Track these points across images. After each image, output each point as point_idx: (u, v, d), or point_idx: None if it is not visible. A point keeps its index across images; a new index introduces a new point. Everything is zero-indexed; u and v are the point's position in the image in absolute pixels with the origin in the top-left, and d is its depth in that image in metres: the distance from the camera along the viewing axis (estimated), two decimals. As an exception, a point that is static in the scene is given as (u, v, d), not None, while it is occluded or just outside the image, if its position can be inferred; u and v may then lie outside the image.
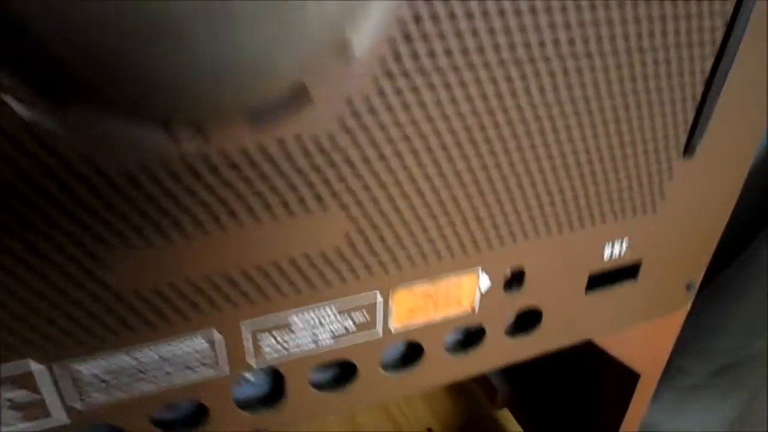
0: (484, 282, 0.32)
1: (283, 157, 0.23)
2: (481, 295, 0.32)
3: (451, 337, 0.36)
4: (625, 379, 0.45)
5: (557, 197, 0.30)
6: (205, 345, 0.27)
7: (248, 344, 0.28)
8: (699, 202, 0.35)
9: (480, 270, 0.31)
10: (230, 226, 0.24)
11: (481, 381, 0.68)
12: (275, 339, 0.29)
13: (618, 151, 0.30)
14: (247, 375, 0.30)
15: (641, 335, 0.43)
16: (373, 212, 0.27)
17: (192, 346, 0.27)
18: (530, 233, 0.31)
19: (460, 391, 0.74)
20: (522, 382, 0.64)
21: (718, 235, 0.38)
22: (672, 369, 0.57)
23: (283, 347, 0.29)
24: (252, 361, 0.29)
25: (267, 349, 0.29)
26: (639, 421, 0.49)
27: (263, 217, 0.25)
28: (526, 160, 0.28)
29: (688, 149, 0.32)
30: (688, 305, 0.42)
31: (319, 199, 0.25)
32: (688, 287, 0.40)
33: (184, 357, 0.27)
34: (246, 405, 0.31)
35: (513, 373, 0.65)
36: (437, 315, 0.32)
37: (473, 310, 0.32)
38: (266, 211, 0.25)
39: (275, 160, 0.23)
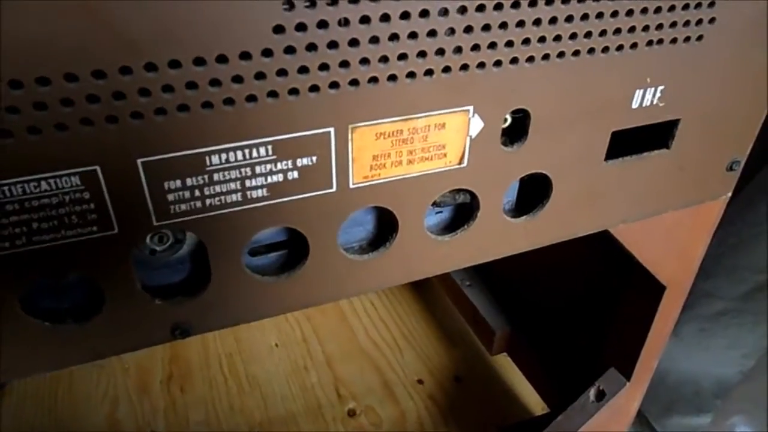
0: (476, 124, 0.24)
1: None
2: (472, 142, 0.24)
3: (435, 216, 0.28)
4: (649, 291, 0.38)
5: (575, 2, 0.22)
6: (83, 189, 0.19)
7: (146, 191, 0.20)
8: (755, 35, 0.27)
9: (471, 107, 0.23)
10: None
11: (477, 323, 0.60)
12: (185, 186, 0.21)
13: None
14: (154, 244, 0.22)
15: (669, 236, 0.35)
16: (314, -12, 0.18)
17: (65, 188, 0.19)
18: (537, 54, 0.23)
19: (452, 336, 0.67)
20: (524, 318, 0.56)
21: (772, 92, 0.30)
22: (696, 294, 0.49)
23: (197, 199, 0.21)
24: (153, 218, 0.21)
25: (173, 199, 0.21)
26: (662, 347, 0.42)
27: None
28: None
29: (747, -51, 0.24)
30: (729, 192, 0.34)
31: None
32: (731, 167, 0.32)
33: (55, 204, 0.19)
34: (159, 292, 0.23)
35: (513, 310, 0.58)
36: (413, 169, 0.24)
37: (461, 161, 0.24)
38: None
39: None
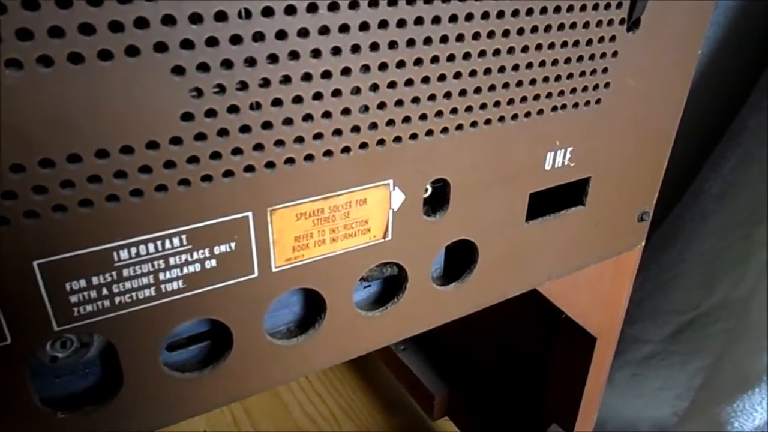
0: (397, 197, 0.24)
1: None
2: (395, 214, 0.24)
3: (363, 291, 0.27)
4: (581, 343, 0.38)
5: (481, 75, 0.23)
6: (-29, 300, 0.17)
7: (45, 295, 0.18)
8: (647, 95, 0.29)
9: (391, 181, 0.23)
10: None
11: (415, 388, 0.59)
12: (90, 285, 0.19)
13: (554, 21, 0.24)
14: (55, 351, 0.20)
15: (593, 289, 0.36)
16: (219, 73, 0.18)
17: (-54, 302, 0.17)
18: (450, 125, 0.23)
19: (391, 403, 0.65)
20: (463, 380, 0.56)
21: (669, 146, 0.32)
22: (624, 340, 0.50)
23: (105, 298, 0.19)
24: (54, 324, 0.19)
25: (77, 300, 0.19)
26: (599, 397, 0.42)
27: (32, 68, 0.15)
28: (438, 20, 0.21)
29: (632, 20, 0.26)
30: (643, 241, 0.35)
31: (132, 50, 0.16)
32: (641, 218, 0.34)
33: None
34: (63, 403, 0.21)
35: (451, 373, 0.57)
36: (337, 247, 0.23)
37: (385, 235, 0.24)
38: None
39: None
